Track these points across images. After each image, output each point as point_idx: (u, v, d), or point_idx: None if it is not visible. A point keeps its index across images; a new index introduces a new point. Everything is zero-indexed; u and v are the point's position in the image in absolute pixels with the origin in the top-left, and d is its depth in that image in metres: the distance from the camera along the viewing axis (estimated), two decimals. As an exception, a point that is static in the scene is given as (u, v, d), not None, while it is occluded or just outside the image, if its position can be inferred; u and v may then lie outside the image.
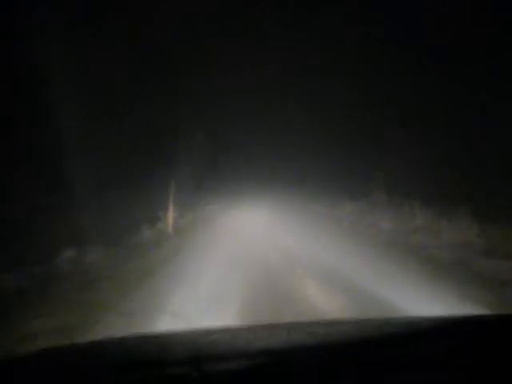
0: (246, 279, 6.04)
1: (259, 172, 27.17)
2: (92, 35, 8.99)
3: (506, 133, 8.99)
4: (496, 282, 5.73)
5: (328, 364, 1.16)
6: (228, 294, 5.26)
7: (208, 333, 1.50)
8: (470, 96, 10.58)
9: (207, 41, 14.76)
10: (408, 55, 12.30)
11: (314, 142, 18.57)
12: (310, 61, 17.30)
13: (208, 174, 18.61)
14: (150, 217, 9.23)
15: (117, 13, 9.94)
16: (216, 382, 1.08)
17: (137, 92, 10.44)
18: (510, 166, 8.72)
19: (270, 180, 26.11)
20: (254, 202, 21.19)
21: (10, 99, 7.26)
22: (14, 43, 7.42)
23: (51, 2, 8.52)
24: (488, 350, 1.24)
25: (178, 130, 12.97)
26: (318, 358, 1.19)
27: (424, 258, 7.51)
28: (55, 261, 5.95)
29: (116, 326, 4.06)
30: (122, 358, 1.30)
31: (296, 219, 15.10)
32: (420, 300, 4.73)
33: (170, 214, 10.54)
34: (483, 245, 7.58)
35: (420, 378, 1.15)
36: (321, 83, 16.89)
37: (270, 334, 1.56)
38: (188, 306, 4.71)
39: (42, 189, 6.82)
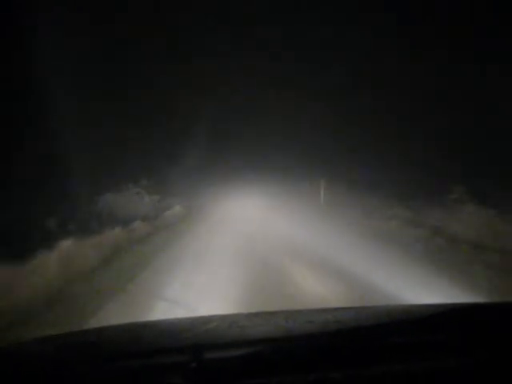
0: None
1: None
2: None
3: None
4: None
5: (326, 352, 1.16)
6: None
7: (206, 321, 1.49)
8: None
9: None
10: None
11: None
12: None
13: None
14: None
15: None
16: (215, 370, 1.08)
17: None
18: None
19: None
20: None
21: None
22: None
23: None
24: (486, 339, 1.23)
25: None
26: (317, 345, 1.19)
27: None
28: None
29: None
30: (118, 346, 1.29)
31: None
32: None
33: None
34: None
35: (419, 366, 1.15)
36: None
37: (268, 321, 1.57)
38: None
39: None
